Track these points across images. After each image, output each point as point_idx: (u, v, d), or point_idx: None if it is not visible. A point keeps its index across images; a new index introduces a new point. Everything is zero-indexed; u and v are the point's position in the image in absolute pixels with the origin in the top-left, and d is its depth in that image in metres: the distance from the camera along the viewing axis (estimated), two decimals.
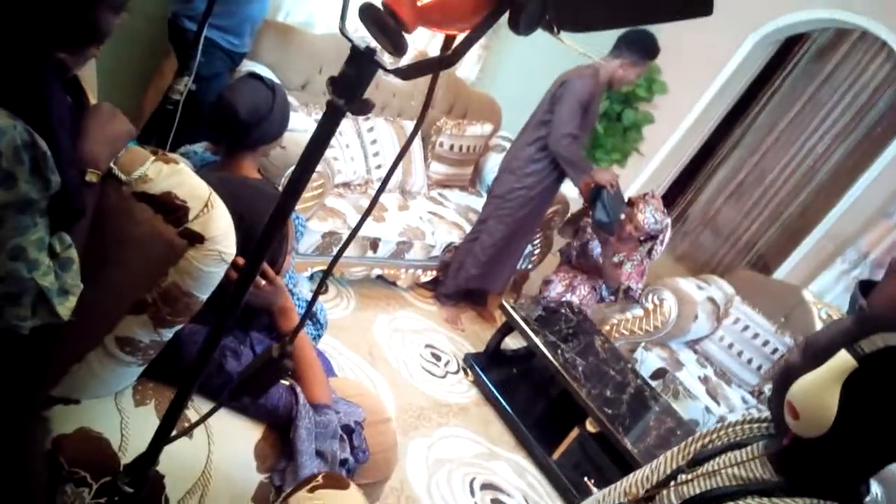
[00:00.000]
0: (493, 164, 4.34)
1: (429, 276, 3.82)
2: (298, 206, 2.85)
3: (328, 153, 3.02)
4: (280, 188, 1.89)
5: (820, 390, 0.95)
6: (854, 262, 4.21)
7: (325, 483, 1.04)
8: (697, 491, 1.09)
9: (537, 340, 3.10)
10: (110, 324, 1.23)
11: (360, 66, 0.80)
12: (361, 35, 0.83)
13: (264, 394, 1.06)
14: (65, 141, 1.04)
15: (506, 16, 0.77)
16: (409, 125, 3.90)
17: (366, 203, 3.45)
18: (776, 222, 5.25)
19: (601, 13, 0.80)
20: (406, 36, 0.79)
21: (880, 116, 4.74)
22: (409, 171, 3.83)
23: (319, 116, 2.90)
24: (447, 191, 4.17)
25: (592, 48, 3.60)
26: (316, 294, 0.98)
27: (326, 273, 0.99)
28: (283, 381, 1.43)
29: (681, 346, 3.89)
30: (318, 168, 2.84)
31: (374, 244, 3.33)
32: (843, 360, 0.94)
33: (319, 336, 2.17)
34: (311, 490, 1.02)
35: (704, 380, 3.67)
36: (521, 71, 4.86)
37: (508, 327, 3.35)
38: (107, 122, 1.14)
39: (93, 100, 1.24)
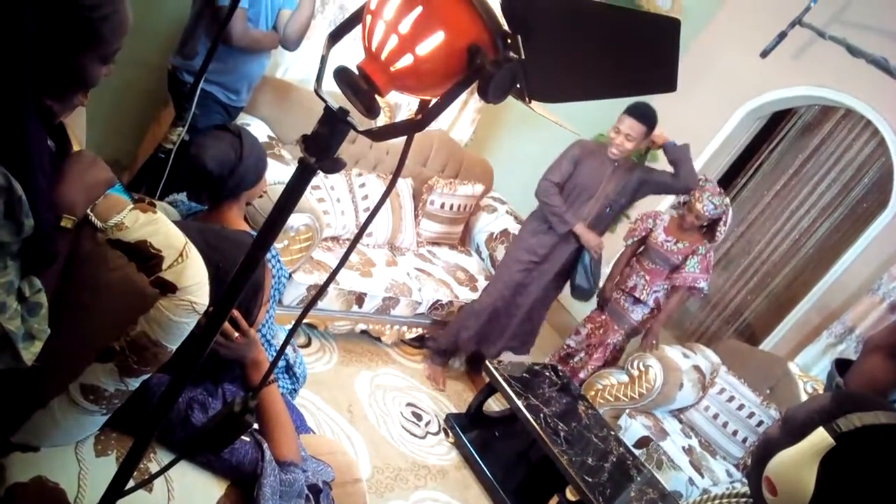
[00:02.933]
0: (483, 224, 4.38)
1: (414, 332, 3.79)
2: (285, 259, 2.86)
3: (318, 207, 3.04)
4: None
5: (797, 467, 0.95)
6: (840, 336, 4.21)
7: None
8: None
9: (519, 403, 3.06)
10: (76, 371, 1.21)
11: (332, 125, 0.81)
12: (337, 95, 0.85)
13: (224, 449, 1.03)
14: (42, 186, 1.04)
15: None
16: (403, 182, 3.95)
17: (354, 258, 3.46)
18: (763, 292, 5.27)
19: (571, 86, 0.82)
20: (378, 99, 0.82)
21: (865, 192, 4.82)
22: (398, 228, 3.85)
23: None
24: (437, 248, 4.19)
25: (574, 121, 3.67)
26: (283, 346, 0.98)
27: (297, 323, 0.99)
28: (248, 437, 1.40)
29: (665, 415, 3.85)
30: (307, 221, 2.89)
31: (359, 299, 3.32)
32: (820, 437, 0.94)
33: (296, 390, 2.15)
34: None
35: (689, 450, 3.62)
36: (513, 134, 4.95)
37: (491, 388, 3.31)
38: (86, 169, 1.15)
39: (77, 147, 1.26)
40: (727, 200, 3.70)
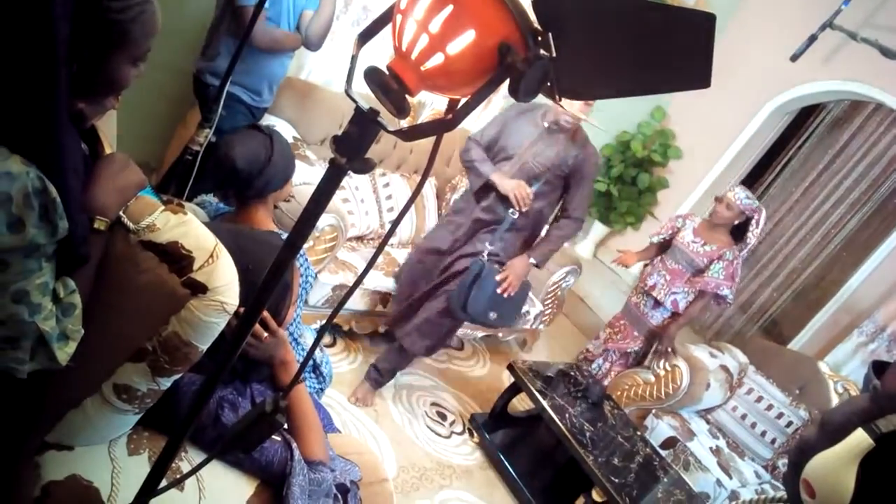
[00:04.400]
0: None
1: None
2: (311, 259, 2.87)
3: (342, 207, 3.06)
4: None
5: (836, 469, 0.94)
6: (871, 335, 4.14)
7: None
8: None
9: (544, 403, 3.05)
10: (109, 370, 1.23)
11: (362, 126, 0.81)
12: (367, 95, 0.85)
13: (255, 449, 1.04)
14: (75, 188, 1.06)
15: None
16: (427, 182, 3.94)
17: (379, 258, 3.46)
18: (789, 289, 5.18)
19: (601, 83, 0.81)
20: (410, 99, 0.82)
21: (894, 189, 4.73)
22: (422, 227, 3.85)
23: None
24: None
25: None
26: (314, 346, 0.98)
27: (327, 323, 0.99)
28: (277, 436, 1.41)
29: (692, 415, 3.81)
30: (332, 221, 2.90)
31: (384, 298, 3.33)
32: (859, 438, 0.92)
33: (322, 390, 2.16)
34: None
35: (716, 451, 3.58)
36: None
37: (516, 388, 3.30)
38: (118, 172, 1.16)
39: (109, 149, 1.27)
40: (761, 206, 3.55)
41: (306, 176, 2.94)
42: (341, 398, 3.04)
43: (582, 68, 0.80)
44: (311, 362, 2.17)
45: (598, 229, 5.65)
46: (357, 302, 3.25)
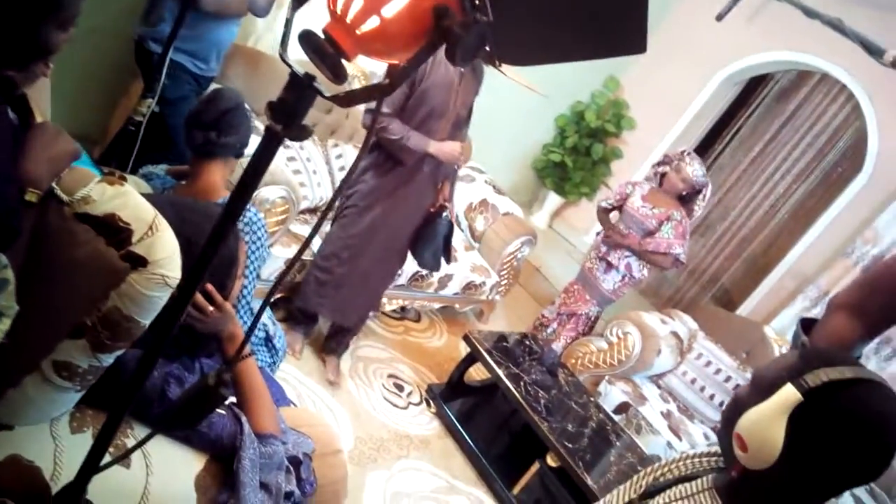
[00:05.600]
0: (461, 194, 4.36)
1: (394, 304, 3.79)
2: None
3: (294, 178, 3.01)
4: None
5: (767, 423, 0.97)
6: (815, 300, 4.28)
7: None
8: None
9: (500, 372, 3.08)
10: (48, 348, 1.19)
11: (298, 92, 0.79)
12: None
13: (200, 423, 1.03)
14: (3, 159, 1.02)
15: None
16: None
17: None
18: (739, 258, 5.33)
19: (540, 49, 0.81)
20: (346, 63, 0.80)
21: (839, 157, 4.87)
22: None
23: (287, 143, 2.88)
24: None
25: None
26: (256, 319, 0.96)
27: (270, 294, 0.98)
28: (226, 411, 1.40)
29: (644, 381, 3.90)
30: (282, 194, 2.86)
31: None
32: (788, 393, 0.96)
33: (275, 363, 2.14)
34: None
35: (667, 415, 3.68)
36: (489, 103, 4.91)
37: (472, 358, 3.33)
38: (50, 142, 1.12)
39: (41, 119, 1.22)
40: (708, 179, 3.66)
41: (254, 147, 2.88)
42: (297, 372, 3.02)
43: (520, 33, 0.80)
44: (263, 336, 2.15)
45: (553, 200, 5.69)
46: None
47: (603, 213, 3.89)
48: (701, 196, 3.59)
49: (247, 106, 3.22)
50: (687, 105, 5.19)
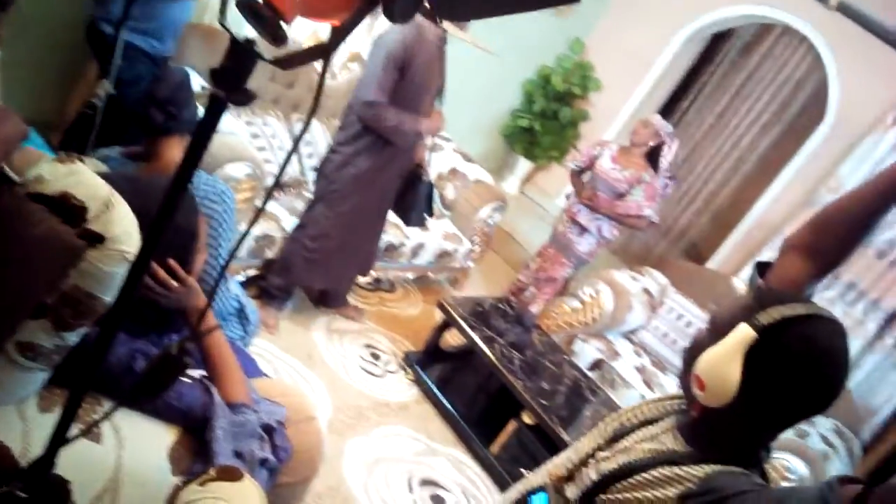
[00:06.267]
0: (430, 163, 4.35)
1: (369, 276, 3.80)
2: None
3: (258, 155, 2.99)
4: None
5: (723, 362, 1.01)
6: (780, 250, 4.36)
7: (218, 476, 1.03)
8: (614, 466, 1.12)
9: (474, 336, 3.12)
10: (10, 329, 1.19)
11: (239, 57, 0.80)
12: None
13: (164, 392, 1.04)
14: None
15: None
16: None
17: (300, 205, 3.42)
18: (707, 212, 5.41)
19: (475, 3, 0.82)
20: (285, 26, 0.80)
21: (802, 108, 4.94)
22: None
23: (248, 119, 2.92)
24: None
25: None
26: (214, 289, 0.97)
27: (225, 265, 0.99)
28: (196, 380, 1.41)
29: (617, 337, 3.98)
30: (248, 171, 2.84)
31: None
32: (743, 332, 1.00)
33: (247, 335, 2.15)
34: (203, 483, 1.01)
35: (641, 369, 3.76)
36: (455, 71, 4.89)
37: (446, 324, 3.36)
38: None
39: None
40: (675, 135, 3.72)
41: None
42: (272, 347, 3.03)
43: None
44: (234, 308, 2.15)
45: (523, 165, 5.71)
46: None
47: (574, 177, 3.92)
48: (666, 147, 3.63)
49: (204, 83, 3.20)
50: (652, 64, 5.21)
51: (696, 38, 5.15)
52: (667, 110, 5.47)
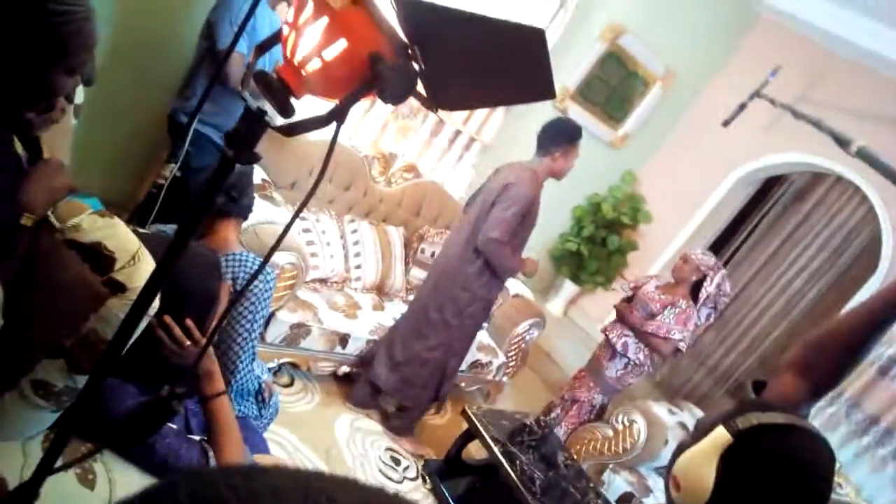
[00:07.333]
0: None
1: None
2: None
3: (306, 248, 3.14)
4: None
5: (699, 463, 1.00)
6: (830, 399, 4.18)
7: None
8: None
9: (496, 450, 3.05)
10: (28, 365, 1.28)
11: (250, 123, 0.90)
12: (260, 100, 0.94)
13: (151, 435, 1.08)
14: (6, 185, 1.14)
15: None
16: (394, 230, 4.05)
17: (340, 300, 3.53)
18: (754, 354, 5.26)
19: (467, 96, 0.91)
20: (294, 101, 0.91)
21: (854, 259, 4.87)
22: (388, 273, 3.93)
23: (302, 214, 3.07)
24: None
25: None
26: (207, 343, 1.03)
27: (223, 316, 1.05)
28: (195, 441, 1.45)
29: (650, 472, 3.80)
30: (292, 259, 2.97)
31: (343, 340, 3.37)
32: (719, 434, 0.99)
33: (261, 416, 2.18)
34: None
35: None
36: None
37: (470, 434, 3.31)
38: (51, 174, 1.24)
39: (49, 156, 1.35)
40: (722, 268, 3.70)
41: (271, 215, 3.03)
42: (293, 438, 3.04)
43: (450, 81, 0.90)
44: (255, 386, 2.20)
45: (568, 288, 5.73)
46: (316, 342, 3.28)
47: (621, 302, 3.95)
48: (708, 279, 3.62)
49: (268, 177, 3.43)
50: (702, 202, 5.28)
51: (748, 180, 5.22)
52: (716, 248, 5.47)
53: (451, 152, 4.50)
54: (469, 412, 3.24)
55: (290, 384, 3.40)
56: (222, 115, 2.94)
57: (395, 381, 3.36)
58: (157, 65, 3.29)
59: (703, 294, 3.61)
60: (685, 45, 5.10)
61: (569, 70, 4.73)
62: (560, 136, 3.22)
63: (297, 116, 0.90)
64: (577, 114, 4.95)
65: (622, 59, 4.94)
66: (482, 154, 4.59)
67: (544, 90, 0.83)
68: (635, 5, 4.74)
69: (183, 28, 3.24)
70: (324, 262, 3.53)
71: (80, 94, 2.06)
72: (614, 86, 5.07)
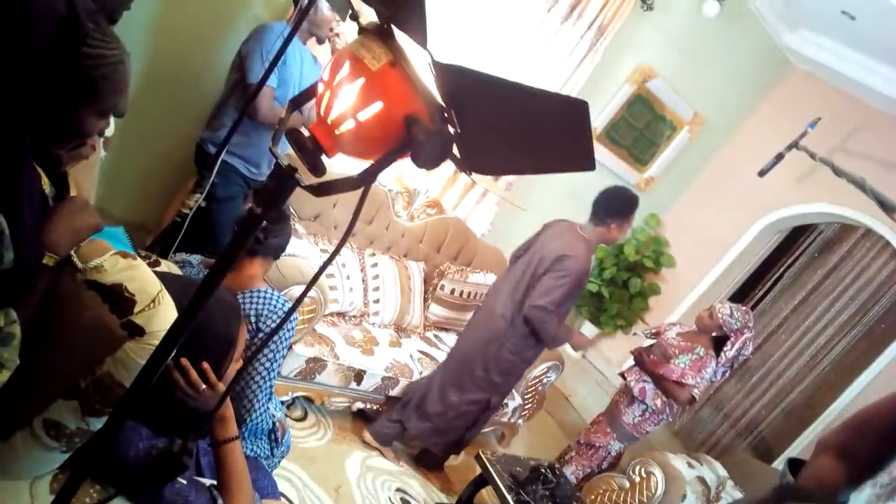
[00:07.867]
0: None
1: None
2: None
3: (325, 281, 3.12)
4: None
5: None
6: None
7: None
8: None
9: (508, 497, 2.98)
10: (41, 405, 1.25)
11: (280, 180, 0.88)
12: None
13: (161, 487, 1.05)
14: (28, 223, 1.12)
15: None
16: (414, 265, 4.03)
17: (358, 334, 3.50)
18: (778, 407, 5.13)
19: (504, 161, 0.88)
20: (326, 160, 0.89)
21: (883, 313, 4.76)
22: (406, 309, 3.89)
23: (324, 247, 3.08)
24: (443, 333, 4.20)
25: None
26: (228, 390, 1.01)
27: (245, 367, 1.02)
28: (204, 487, 1.41)
29: None
30: (311, 293, 2.95)
31: (358, 376, 3.33)
32: None
33: (272, 454, 2.14)
34: None
35: None
36: (530, 227, 5.04)
37: (483, 480, 3.23)
38: (75, 213, 1.23)
39: (75, 193, 1.35)
40: (750, 329, 3.58)
41: (294, 248, 3.01)
42: (303, 474, 2.99)
43: (486, 146, 0.87)
44: (268, 426, 2.17)
45: (587, 330, 5.66)
46: (331, 377, 3.25)
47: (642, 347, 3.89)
48: (730, 342, 3.55)
49: (291, 209, 3.43)
50: (728, 248, 5.20)
51: (775, 228, 5.15)
52: (741, 297, 5.37)
53: (475, 189, 4.49)
54: (483, 457, 3.17)
55: (304, 418, 3.36)
56: (250, 147, 2.96)
57: (426, 429, 3.42)
58: (188, 94, 3.33)
59: (722, 357, 3.56)
60: (714, 91, 5.08)
61: (596, 111, 4.73)
62: (617, 211, 3.25)
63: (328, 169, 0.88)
64: (604, 155, 4.93)
65: (650, 102, 4.93)
66: (506, 191, 4.57)
67: (584, 162, 0.80)
68: (665, 50, 4.74)
69: (215, 58, 3.28)
70: (343, 295, 3.51)
71: (111, 126, 2.08)
72: (641, 129, 5.05)
